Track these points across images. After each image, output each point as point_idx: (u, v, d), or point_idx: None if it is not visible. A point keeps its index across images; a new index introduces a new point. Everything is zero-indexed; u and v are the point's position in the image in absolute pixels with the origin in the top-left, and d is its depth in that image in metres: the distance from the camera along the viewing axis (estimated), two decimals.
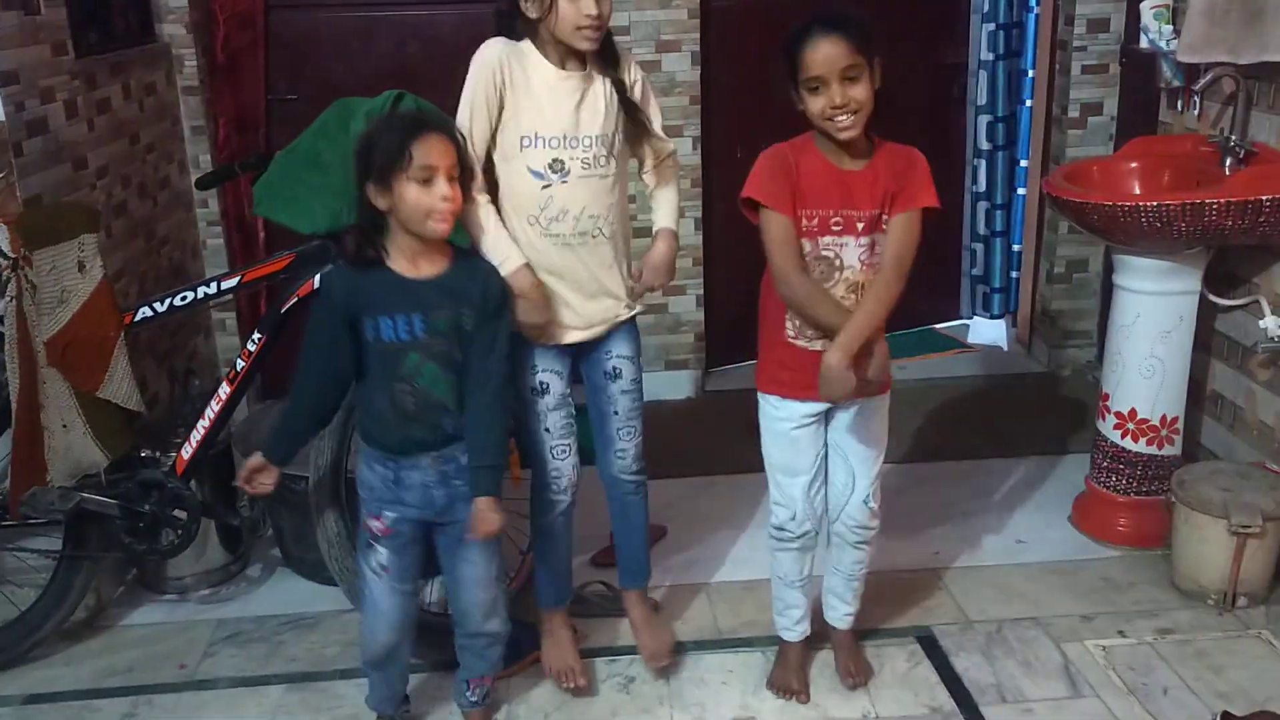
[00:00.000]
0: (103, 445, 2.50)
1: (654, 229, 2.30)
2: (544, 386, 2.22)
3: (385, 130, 1.90)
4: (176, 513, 2.60)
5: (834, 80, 1.96)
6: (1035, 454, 3.43)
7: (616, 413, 2.30)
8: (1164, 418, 2.81)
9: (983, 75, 4.05)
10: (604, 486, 2.41)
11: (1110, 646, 2.49)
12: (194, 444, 2.57)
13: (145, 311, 2.53)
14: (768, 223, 2.05)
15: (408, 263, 1.95)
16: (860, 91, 1.97)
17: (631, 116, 2.16)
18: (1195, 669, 2.40)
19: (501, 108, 2.07)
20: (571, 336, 2.20)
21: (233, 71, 3.62)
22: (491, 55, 2.06)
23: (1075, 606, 2.65)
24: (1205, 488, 2.64)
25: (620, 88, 2.13)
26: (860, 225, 2.07)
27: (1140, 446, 2.83)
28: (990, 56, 4.01)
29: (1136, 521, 2.87)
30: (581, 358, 2.28)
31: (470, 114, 2.07)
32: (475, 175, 2.04)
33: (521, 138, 2.08)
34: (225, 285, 2.51)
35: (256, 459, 2.10)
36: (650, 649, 2.44)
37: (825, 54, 1.95)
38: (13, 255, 2.33)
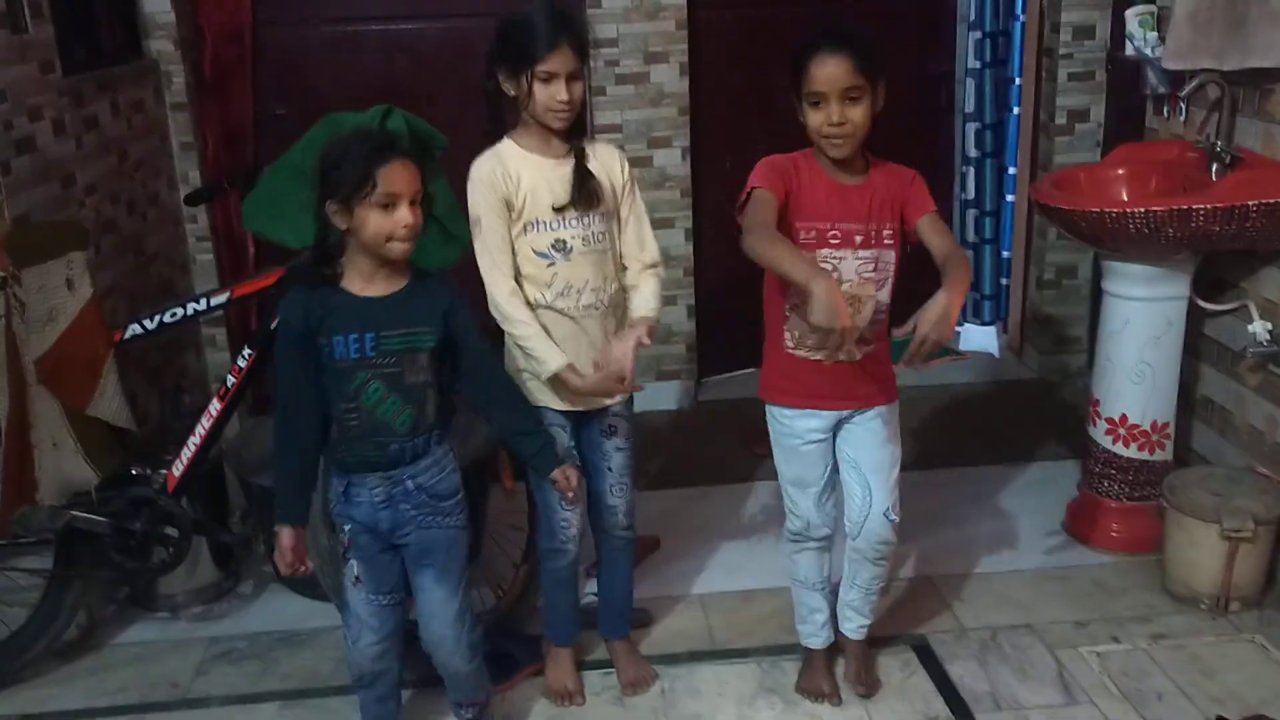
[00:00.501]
0: (93, 463, 2.49)
1: (631, 316, 2.26)
2: None
3: (349, 152, 1.86)
4: (168, 530, 2.59)
5: (834, 98, 1.99)
6: (1028, 460, 3.44)
7: (610, 469, 2.34)
8: (1155, 423, 2.81)
9: (970, 83, 4.07)
10: (594, 538, 2.44)
11: (1104, 652, 2.49)
12: (185, 461, 2.56)
13: (135, 329, 2.52)
14: (754, 199, 2.04)
15: (363, 282, 1.94)
16: (858, 113, 2.00)
17: (585, 185, 2.16)
18: (1189, 674, 2.40)
19: (510, 208, 2.14)
20: (580, 405, 2.25)
21: (221, 87, 3.62)
22: (485, 171, 2.14)
23: (1069, 613, 2.65)
24: (1197, 492, 2.65)
25: (579, 155, 2.16)
26: (858, 239, 2.09)
27: (1132, 452, 2.83)
28: (977, 65, 4.03)
29: (1129, 527, 2.88)
30: (585, 417, 2.31)
31: (485, 228, 2.14)
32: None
33: (525, 224, 2.15)
34: (215, 301, 2.51)
35: (287, 537, 2.01)
36: (629, 678, 2.47)
37: (830, 72, 1.98)
38: (1, 274, 2.32)
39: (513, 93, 2.10)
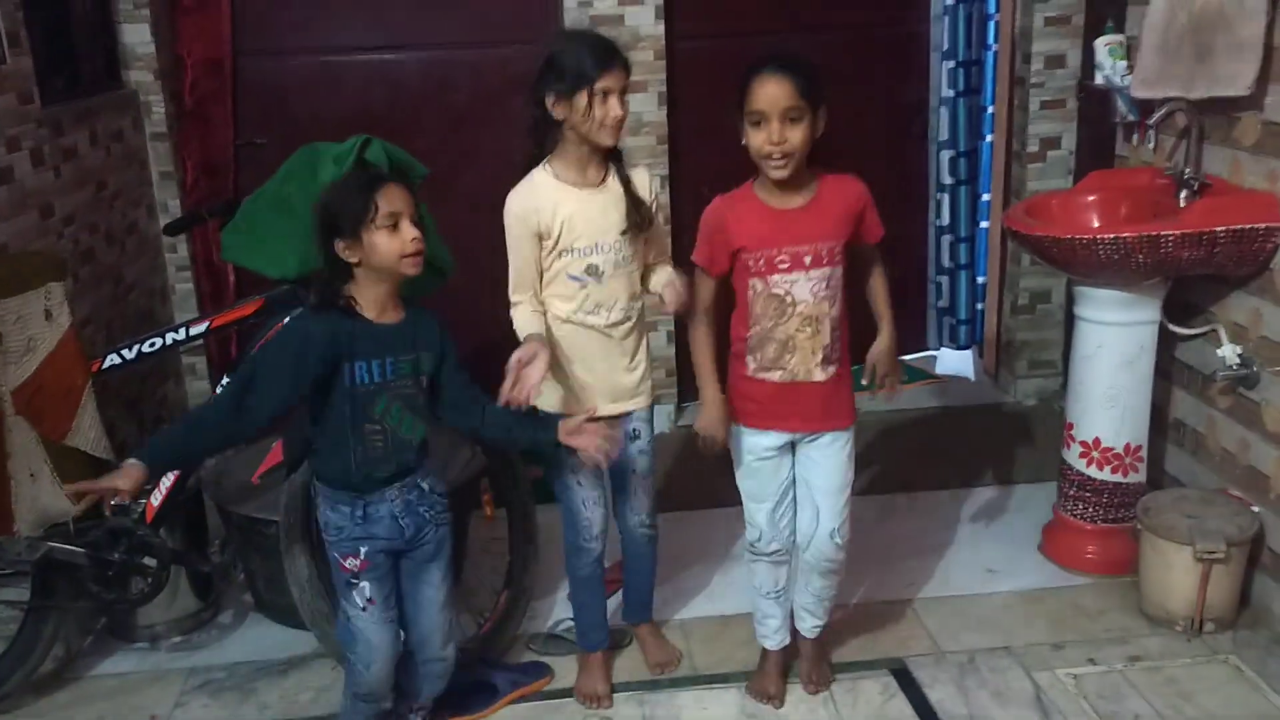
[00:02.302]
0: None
1: (659, 283, 2.37)
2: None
3: (345, 189, 1.99)
4: (146, 560, 2.58)
5: (775, 118, 2.04)
6: (1004, 483, 3.47)
7: (634, 471, 2.45)
8: (1128, 446, 2.84)
9: (944, 111, 4.11)
10: (620, 534, 2.56)
11: (1081, 675, 2.51)
12: (163, 491, 2.56)
13: (113, 359, 2.52)
14: (696, 280, 2.26)
15: (377, 311, 2.04)
16: (797, 135, 2.06)
17: (639, 211, 2.28)
18: (1165, 696, 2.42)
19: (542, 239, 2.24)
20: (606, 410, 2.34)
21: (200, 117, 3.63)
22: (518, 206, 2.24)
23: (1046, 635, 2.67)
24: (1170, 515, 2.68)
25: (625, 183, 2.28)
26: (808, 260, 2.14)
27: (1106, 474, 2.87)
28: (951, 93, 4.07)
29: (1104, 549, 2.90)
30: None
31: (522, 261, 2.25)
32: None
33: (560, 251, 2.25)
34: (194, 331, 2.51)
35: (140, 472, 1.95)
36: (656, 659, 2.61)
37: (770, 92, 2.04)
38: None
39: (562, 116, 2.16)
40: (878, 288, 2.34)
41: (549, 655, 2.66)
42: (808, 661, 2.53)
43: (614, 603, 2.77)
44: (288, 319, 2.20)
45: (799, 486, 2.34)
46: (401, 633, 2.22)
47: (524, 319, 2.25)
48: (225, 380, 2.49)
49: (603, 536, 2.45)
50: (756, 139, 2.08)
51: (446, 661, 2.28)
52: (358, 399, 2.03)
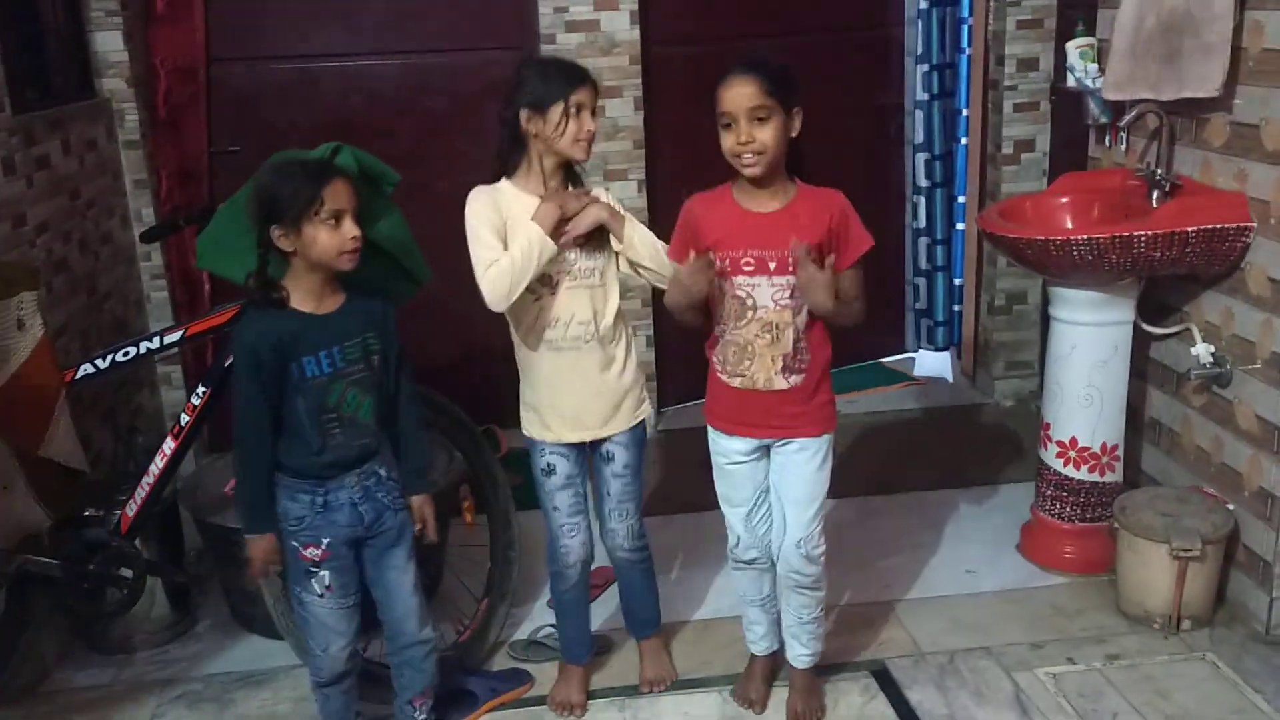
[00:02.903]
0: (45, 505, 2.46)
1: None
2: (550, 468, 2.35)
3: (292, 177, 1.97)
4: (122, 571, 2.56)
5: (742, 118, 2.05)
6: (982, 484, 3.48)
7: (608, 494, 2.41)
8: (1104, 445, 2.86)
9: (919, 115, 4.15)
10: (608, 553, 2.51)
11: (1060, 674, 2.52)
12: (139, 501, 2.54)
13: (87, 368, 2.50)
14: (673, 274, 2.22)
15: (314, 301, 2.04)
16: (766, 134, 2.05)
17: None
18: (1143, 693, 2.44)
19: (506, 229, 2.21)
20: (569, 437, 2.33)
21: (175, 125, 3.61)
22: (484, 197, 2.23)
23: (1025, 635, 2.68)
24: (1146, 513, 2.70)
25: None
26: (772, 265, 2.12)
27: (1083, 474, 2.88)
28: (925, 97, 4.11)
29: (1082, 548, 2.92)
30: (591, 445, 2.39)
31: (481, 237, 2.19)
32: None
33: None
34: (169, 339, 2.49)
35: (268, 542, 2.10)
36: (648, 675, 2.57)
37: (736, 92, 2.05)
38: None
39: (535, 131, 2.18)
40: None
41: (530, 662, 2.65)
42: (796, 691, 2.43)
43: (608, 608, 2.77)
44: (235, 332, 2.17)
45: (772, 495, 2.29)
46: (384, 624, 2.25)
47: (510, 253, 2.16)
48: (200, 389, 2.48)
49: (582, 563, 2.41)
50: (726, 140, 2.09)
51: (428, 644, 2.27)
52: (311, 392, 2.03)
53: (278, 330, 2.00)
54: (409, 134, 3.72)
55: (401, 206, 2.28)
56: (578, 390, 2.29)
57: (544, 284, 2.23)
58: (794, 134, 2.10)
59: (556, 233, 2.18)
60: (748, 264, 2.13)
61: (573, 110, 2.16)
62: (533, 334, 2.27)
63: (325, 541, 2.10)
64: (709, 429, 2.32)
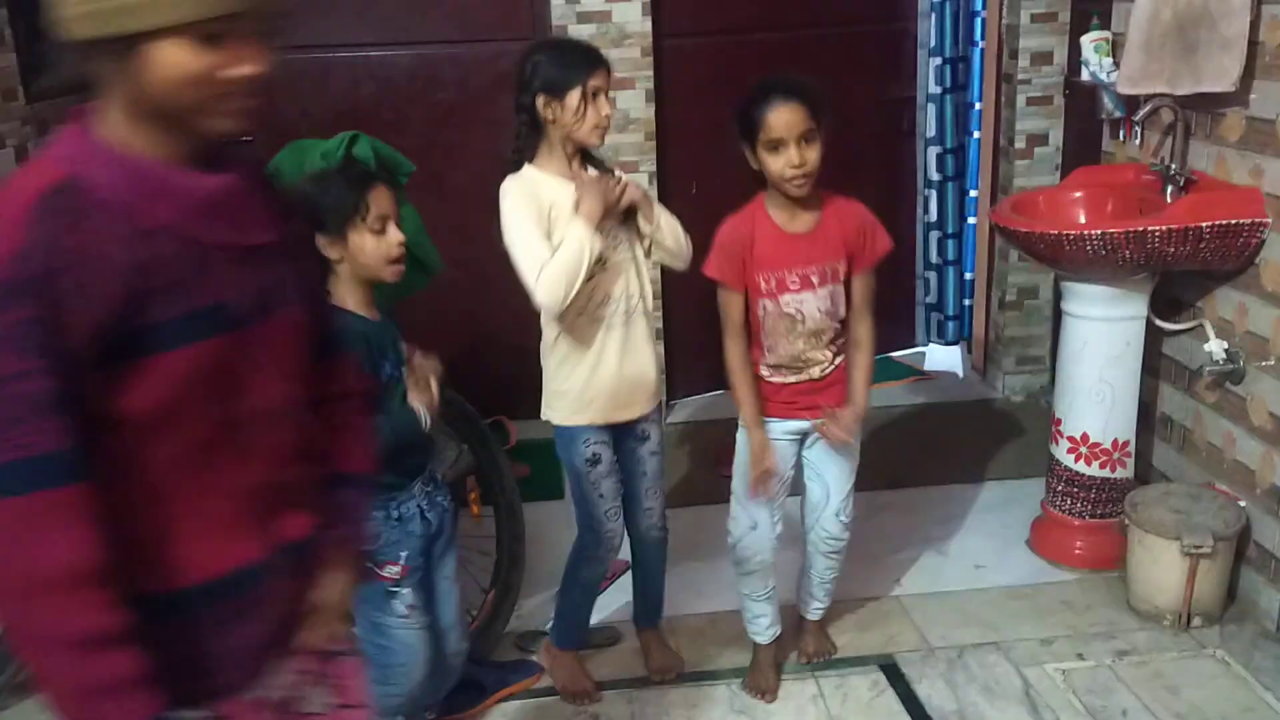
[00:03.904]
0: None
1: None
2: (596, 457, 2.35)
3: (337, 183, 1.92)
4: None
5: (793, 143, 2.12)
6: (992, 479, 3.47)
7: (645, 473, 2.44)
8: (1115, 441, 2.85)
9: (931, 108, 4.13)
10: (629, 537, 2.51)
11: (1069, 670, 2.52)
12: None
13: None
14: (722, 297, 2.29)
15: (366, 309, 1.98)
16: (814, 154, 2.15)
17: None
18: (1153, 690, 2.43)
19: (548, 222, 2.19)
20: (618, 416, 2.35)
21: None
22: (519, 188, 2.19)
23: (1035, 630, 2.67)
24: (1158, 510, 2.69)
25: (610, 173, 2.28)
26: (816, 280, 2.25)
27: (1094, 470, 2.87)
28: (938, 90, 4.09)
29: (1092, 544, 2.91)
30: (623, 430, 2.41)
31: (535, 239, 2.14)
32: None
33: (556, 243, 2.17)
34: None
35: None
36: (659, 664, 2.58)
37: (787, 119, 2.12)
38: None
39: (552, 118, 2.16)
40: (858, 356, 2.35)
41: (532, 653, 2.65)
42: (810, 637, 2.61)
43: (618, 599, 2.77)
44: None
45: (808, 472, 2.43)
46: None
47: (561, 256, 2.12)
48: None
49: (616, 547, 2.44)
50: (776, 164, 2.15)
51: (464, 654, 2.28)
52: (385, 395, 1.97)
53: (363, 328, 1.93)
54: (420, 125, 3.71)
55: (412, 197, 2.28)
56: (635, 364, 2.31)
57: (597, 263, 2.20)
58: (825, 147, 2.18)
59: (602, 223, 2.17)
60: (793, 282, 2.25)
61: (590, 95, 2.15)
62: (585, 314, 2.25)
63: (404, 555, 2.03)
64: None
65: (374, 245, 1.91)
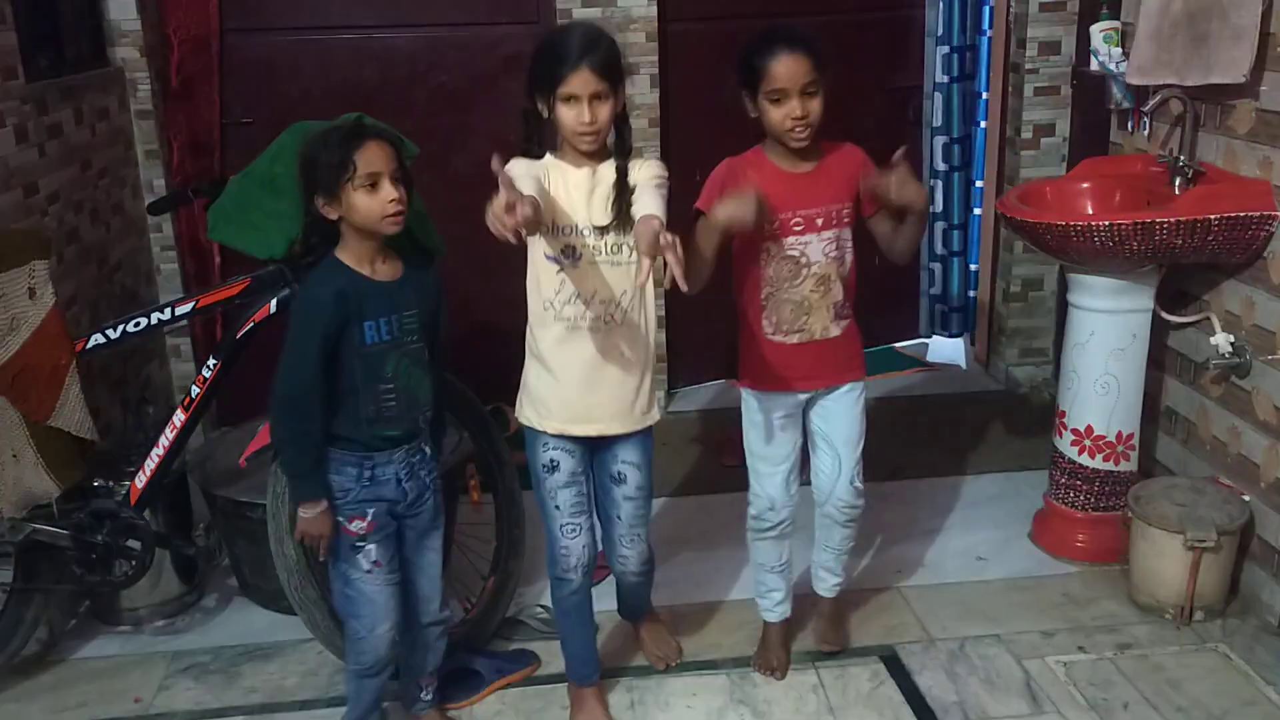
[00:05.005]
0: (54, 475, 2.45)
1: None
2: (553, 464, 2.20)
3: (325, 143, 1.96)
4: (130, 543, 2.56)
5: (795, 94, 2.10)
6: (995, 471, 3.46)
7: (619, 518, 2.29)
8: (1119, 434, 2.84)
9: (938, 97, 4.11)
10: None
11: (1071, 662, 2.51)
12: (148, 472, 2.53)
13: (98, 338, 2.49)
14: (698, 225, 2.13)
15: (369, 267, 2.03)
16: (816, 105, 2.13)
17: (621, 199, 2.10)
18: (1154, 684, 2.42)
19: (542, 183, 2.06)
20: (573, 430, 2.18)
21: (187, 95, 3.59)
22: (522, 165, 2.07)
23: (1036, 623, 2.66)
24: (1161, 503, 2.68)
25: (621, 174, 2.10)
26: (819, 221, 2.22)
27: (1097, 463, 2.86)
28: (945, 79, 4.07)
29: (1095, 537, 2.90)
30: (594, 453, 2.26)
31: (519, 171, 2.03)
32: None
33: (542, 226, 2.05)
34: (179, 311, 2.48)
35: (313, 512, 2.05)
36: (656, 652, 2.54)
37: (789, 69, 2.09)
38: None
39: (546, 115, 2.08)
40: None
41: (514, 640, 2.64)
42: (824, 620, 2.59)
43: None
44: (300, 288, 2.10)
45: (818, 440, 2.39)
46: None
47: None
48: (210, 361, 2.47)
49: (584, 567, 2.24)
50: (777, 114, 2.12)
51: (444, 623, 2.28)
52: (369, 359, 2.02)
53: (343, 287, 1.99)
54: (422, 108, 3.69)
55: (414, 180, 2.25)
56: (589, 377, 2.14)
57: (566, 255, 2.09)
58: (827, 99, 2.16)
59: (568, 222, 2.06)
60: (796, 224, 2.21)
61: (561, 100, 2.01)
62: (550, 308, 2.12)
63: (370, 512, 2.09)
64: (748, 394, 2.36)
65: (366, 203, 1.95)
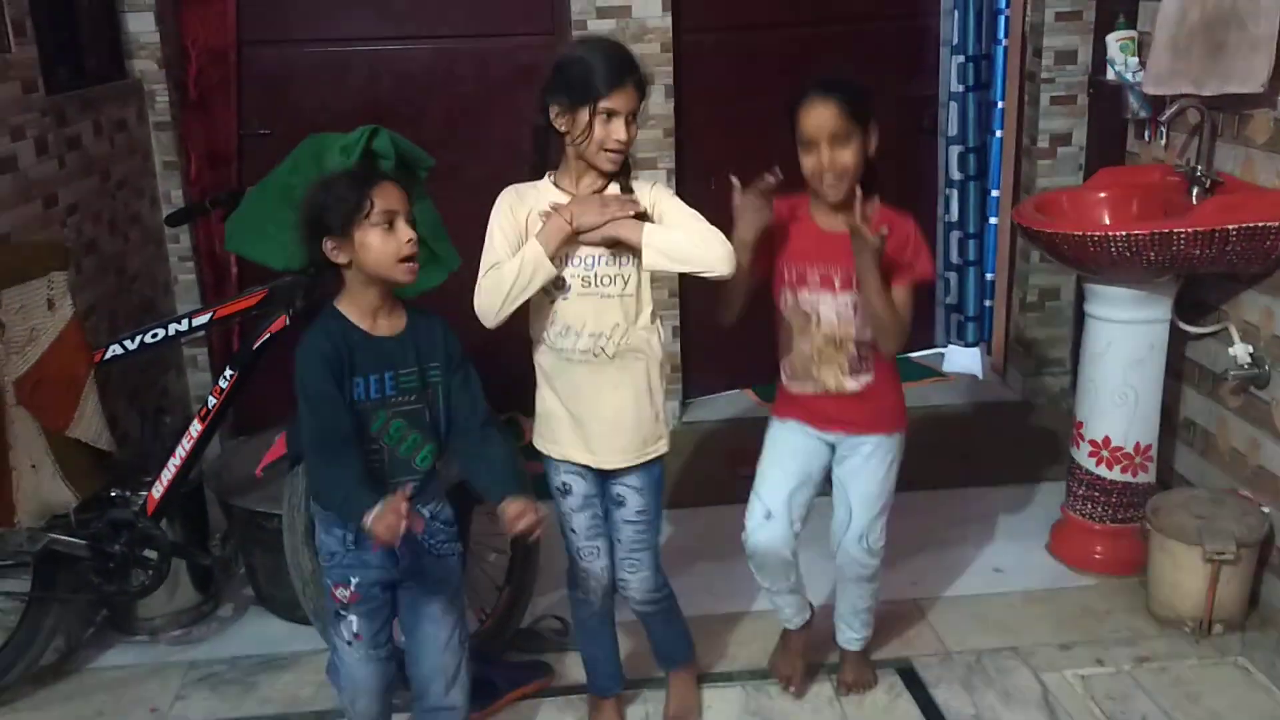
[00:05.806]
0: (72, 485, 2.46)
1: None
2: (566, 487, 2.19)
3: (337, 183, 1.86)
4: (147, 553, 2.57)
5: (823, 143, 2.06)
6: (1012, 482, 3.44)
7: (619, 541, 2.22)
8: (1138, 445, 2.82)
9: (953, 106, 4.10)
10: None
11: (1089, 675, 2.49)
12: (165, 483, 2.54)
13: (116, 349, 2.51)
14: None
15: (370, 321, 1.89)
16: (847, 156, 2.06)
17: None
18: (1173, 697, 2.40)
19: (523, 237, 2.04)
20: (575, 456, 2.16)
21: (205, 107, 3.61)
22: (506, 201, 2.07)
23: (1054, 635, 2.65)
24: (1180, 515, 2.66)
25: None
26: (837, 282, 2.15)
27: (1115, 474, 2.84)
28: (960, 88, 4.06)
29: (1113, 549, 2.88)
30: (604, 477, 2.20)
31: (495, 244, 2.04)
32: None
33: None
34: (197, 322, 2.49)
35: (372, 516, 1.78)
36: (672, 710, 2.41)
37: (817, 118, 2.06)
38: None
39: (564, 129, 2.00)
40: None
41: (527, 651, 2.63)
42: (847, 665, 2.49)
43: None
44: (297, 347, 1.93)
45: (836, 489, 2.32)
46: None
47: (507, 267, 1.99)
48: (227, 372, 2.48)
49: (604, 589, 2.23)
50: (806, 163, 2.09)
51: (455, 711, 2.09)
52: (357, 415, 1.87)
53: (339, 342, 1.85)
54: (438, 119, 3.70)
55: (430, 191, 2.26)
56: (583, 411, 2.11)
57: (557, 286, 2.05)
58: (871, 152, 2.10)
59: (564, 249, 2.01)
60: (813, 280, 2.17)
61: (601, 115, 1.96)
62: (543, 342, 2.11)
63: (354, 582, 1.94)
64: (774, 420, 2.33)
65: (381, 242, 1.82)
